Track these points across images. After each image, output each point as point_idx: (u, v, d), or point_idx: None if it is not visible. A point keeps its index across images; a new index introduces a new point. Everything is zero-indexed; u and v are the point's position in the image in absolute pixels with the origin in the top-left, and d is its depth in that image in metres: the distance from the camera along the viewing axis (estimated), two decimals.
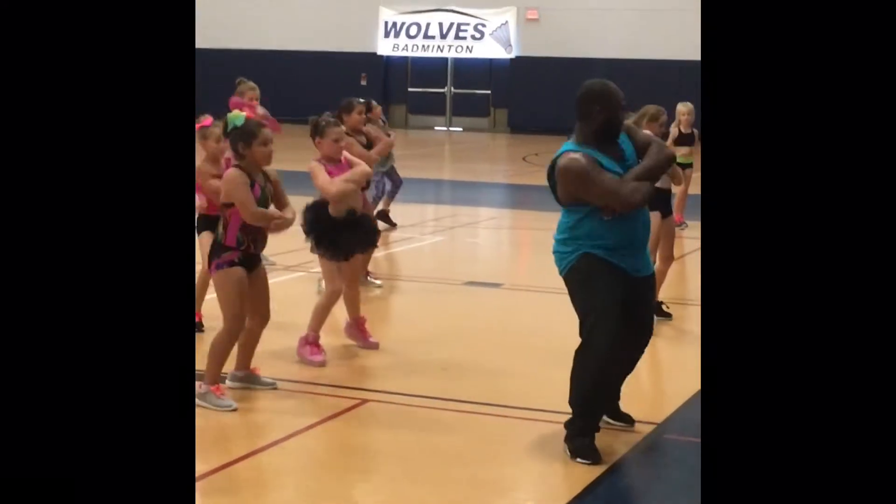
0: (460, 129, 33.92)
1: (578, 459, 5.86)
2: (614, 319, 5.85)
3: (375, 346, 8.00)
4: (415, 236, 13.58)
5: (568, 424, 6.02)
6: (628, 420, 6.41)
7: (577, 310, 6.07)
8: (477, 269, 11.96)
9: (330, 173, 7.57)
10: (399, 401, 6.93)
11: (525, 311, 9.76)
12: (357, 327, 8.07)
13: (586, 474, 5.67)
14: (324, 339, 7.69)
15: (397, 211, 14.12)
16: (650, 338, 6.23)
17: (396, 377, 7.42)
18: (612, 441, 6.14)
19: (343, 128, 8.04)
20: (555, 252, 6.13)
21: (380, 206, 13.47)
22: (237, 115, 6.62)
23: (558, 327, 8.94)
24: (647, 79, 31.48)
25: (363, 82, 33.59)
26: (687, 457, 6.08)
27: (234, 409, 6.57)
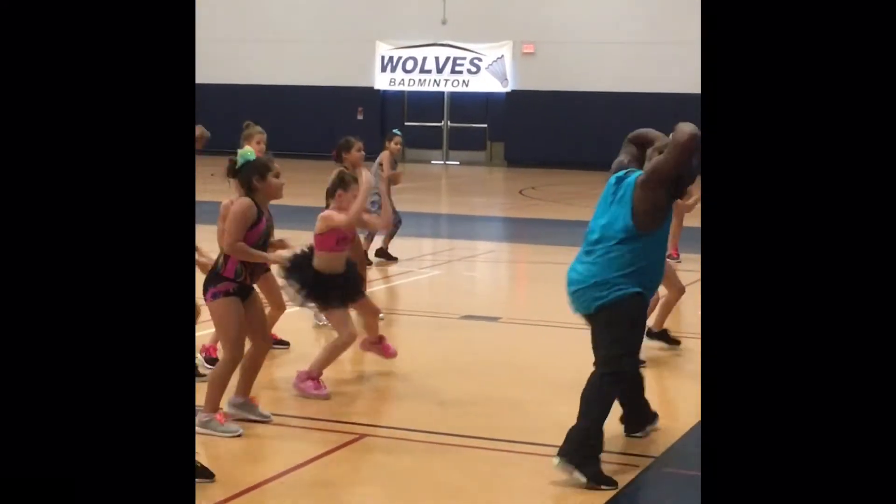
0: (457, 162, 33.99)
1: (603, 487, 5.91)
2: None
3: (394, 355, 8.25)
4: (412, 270, 13.57)
5: (571, 452, 5.98)
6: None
7: (607, 342, 6.19)
8: (474, 302, 11.95)
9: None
10: (396, 435, 6.91)
11: (523, 345, 9.75)
12: (379, 342, 8.24)
13: None
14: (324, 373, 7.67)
15: (394, 244, 14.12)
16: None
17: (393, 411, 7.40)
18: (610, 474, 6.11)
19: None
20: (596, 284, 6.14)
21: (378, 244, 13.53)
22: (248, 151, 6.87)
23: (556, 361, 8.93)
24: (644, 112, 31.59)
25: (360, 116, 33.69)
26: (686, 490, 6.06)
27: (240, 435, 6.59)
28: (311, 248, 7.84)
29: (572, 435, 6.02)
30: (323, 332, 9.53)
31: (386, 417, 7.25)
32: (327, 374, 7.79)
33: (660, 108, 30.90)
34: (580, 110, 32.48)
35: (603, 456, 6.15)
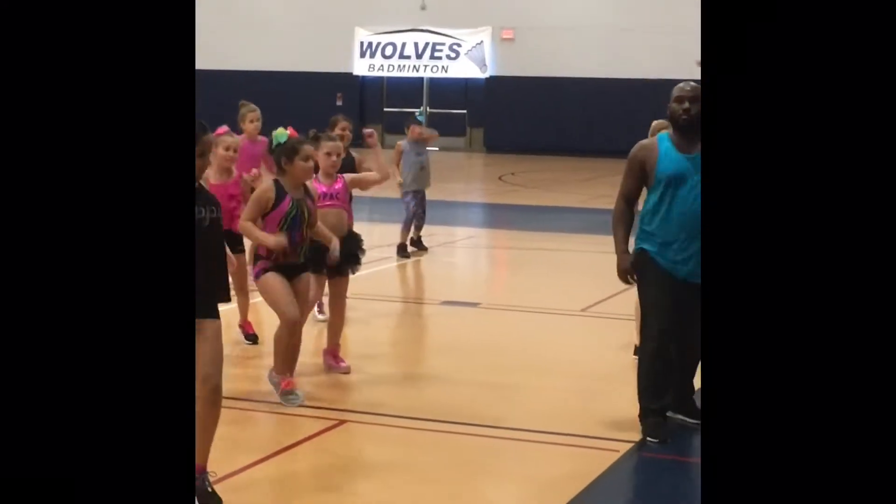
0: (436, 148, 33.95)
1: (648, 439, 6.38)
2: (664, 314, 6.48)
3: (346, 370, 7.90)
4: (393, 256, 13.57)
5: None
6: (693, 414, 6.72)
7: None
8: (454, 288, 11.96)
9: (318, 188, 7.69)
10: (377, 421, 6.92)
11: (502, 331, 9.77)
12: (333, 354, 8.00)
13: (564, 493, 5.68)
14: (300, 359, 7.67)
15: (376, 231, 14.14)
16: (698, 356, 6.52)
17: (374, 397, 7.41)
18: (589, 459, 6.15)
19: (339, 143, 8.06)
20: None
21: (411, 234, 13.60)
22: (281, 132, 7.08)
23: (535, 346, 8.95)
24: (622, 98, 31.66)
25: (339, 102, 33.64)
26: (663, 475, 6.11)
27: (300, 404, 7.00)
28: None
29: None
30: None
31: (366, 403, 7.26)
32: (304, 360, 7.76)
33: (639, 94, 30.96)
34: (559, 96, 32.51)
35: (580, 441, 6.22)
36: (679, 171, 6.30)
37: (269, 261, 6.97)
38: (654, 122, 8.46)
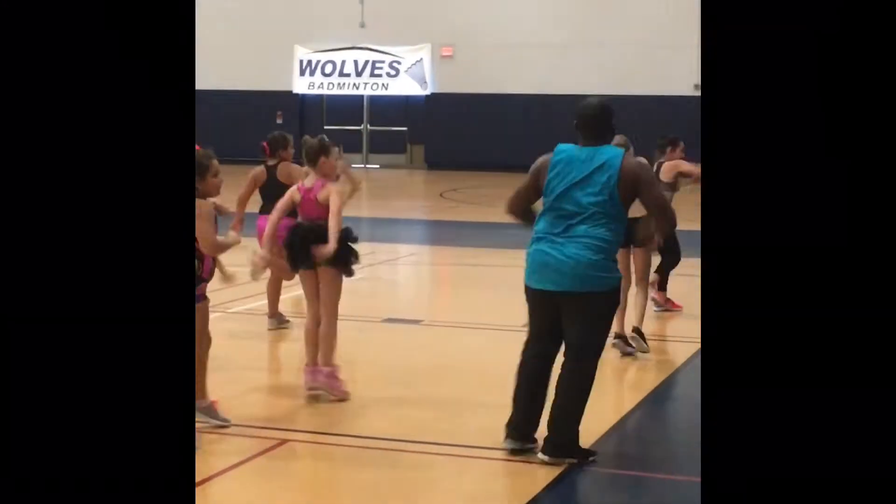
0: (377, 165, 33.95)
1: (591, 459, 6.30)
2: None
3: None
4: None
5: (563, 447, 6.27)
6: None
7: (589, 331, 6.31)
8: (397, 305, 11.95)
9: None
10: (317, 440, 6.89)
11: (445, 347, 9.77)
12: (312, 370, 7.85)
13: None
14: (244, 376, 7.61)
15: None
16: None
17: (315, 415, 7.37)
18: (532, 473, 6.15)
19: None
20: (593, 265, 6.24)
21: None
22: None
23: (478, 363, 8.96)
24: (563, 115, 31.79)
25: (279, 120, 33.51)
26: (607, 490, 6.12)
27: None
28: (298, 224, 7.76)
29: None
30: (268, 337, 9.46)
31: (307, 422, 7.22)
32: (248, 376, 7.69)
33: None
34: (499, 113, 32.61)
35: (522, 457, 6.23)
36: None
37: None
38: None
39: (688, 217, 9.96)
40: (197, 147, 6.95)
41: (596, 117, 6.43)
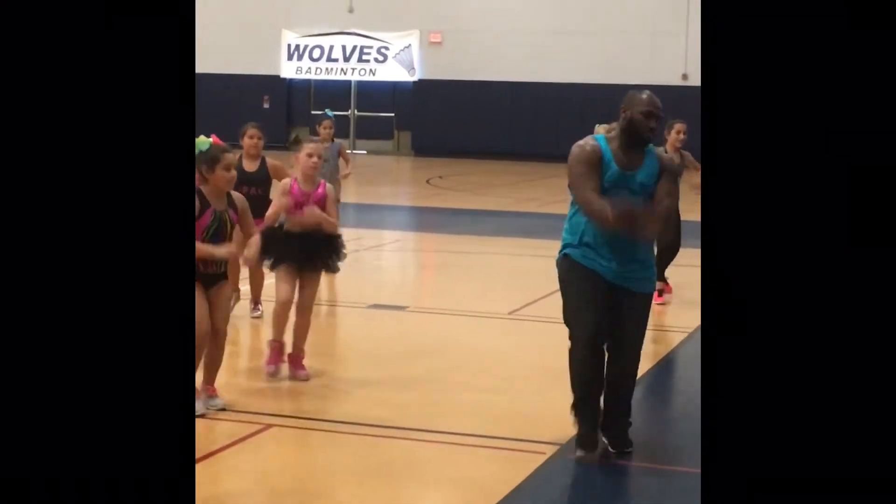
0: (364, 151, 33.91)
1: (578, 453, 6.19)
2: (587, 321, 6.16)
3: (306, 378, 7.77)
4: None
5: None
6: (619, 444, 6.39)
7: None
8: (382, 292, 11.93)
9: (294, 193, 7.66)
10: (302, 425, 6.88)
11: (429, 334, 9.77)
12: (295, 360, 7.88)
13: (490, 496, 5.68)
14: (228, 362, 7.60)
15: None
16: (628, 362, 6.30)
17: (300, 401, 7.37)
18: (514, 462, 6.16)
19: (321, 144, 8.00)
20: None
21: None
22: (203, 141, 6.82)
23: (463, 350, 8.96)
24: (549, 101, 31.83)
25: (266, 105, 33.47)
26: (589, 479, 6.12)
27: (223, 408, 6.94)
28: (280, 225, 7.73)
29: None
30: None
31: (291, 407, 7.22)
32: (229, 363, 7.70)
33: (566, 97, 31.15)
34: (487, 100, 32.61)
35: (507, 443, 6.21)
36: (614, 185, 6.07)
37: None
38: (598, 126, 8.52)
39: (688, 209, 9.99)
40: (216, 140, 6.95)
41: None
